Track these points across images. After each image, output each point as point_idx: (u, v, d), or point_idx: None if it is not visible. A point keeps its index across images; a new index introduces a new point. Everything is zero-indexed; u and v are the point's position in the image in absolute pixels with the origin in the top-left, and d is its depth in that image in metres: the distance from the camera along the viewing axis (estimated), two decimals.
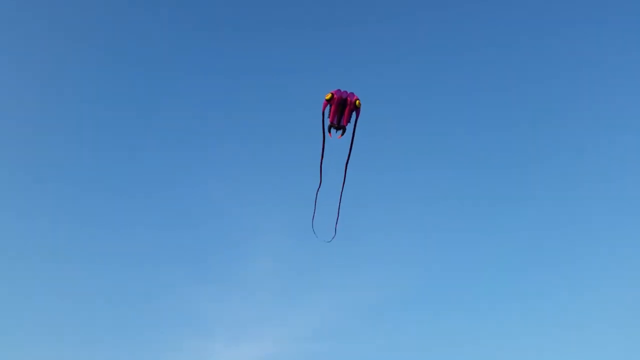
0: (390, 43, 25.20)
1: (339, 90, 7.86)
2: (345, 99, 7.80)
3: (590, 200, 21.88)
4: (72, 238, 21.26)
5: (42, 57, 22.99)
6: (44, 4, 23.30)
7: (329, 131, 7.93)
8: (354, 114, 7.91)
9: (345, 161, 8.13)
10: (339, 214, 8.52)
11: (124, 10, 24.22)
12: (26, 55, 22.74)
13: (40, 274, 20.13)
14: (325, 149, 8.10)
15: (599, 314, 18.70)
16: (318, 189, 8.37)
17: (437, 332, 18.94)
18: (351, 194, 8.59)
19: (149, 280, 20.40)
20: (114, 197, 22.45)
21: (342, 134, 7.96)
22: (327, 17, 25.34)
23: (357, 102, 7.80)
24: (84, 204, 22.13)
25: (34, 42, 23.00)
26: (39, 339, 18.28)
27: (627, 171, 21.85)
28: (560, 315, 18.94)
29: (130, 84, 24.31)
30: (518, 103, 24.32)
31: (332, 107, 7.83)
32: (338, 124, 7.87)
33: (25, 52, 22.62)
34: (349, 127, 7.99)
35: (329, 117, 7.90)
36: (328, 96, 7.79)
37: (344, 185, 8.23)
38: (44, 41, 23.28)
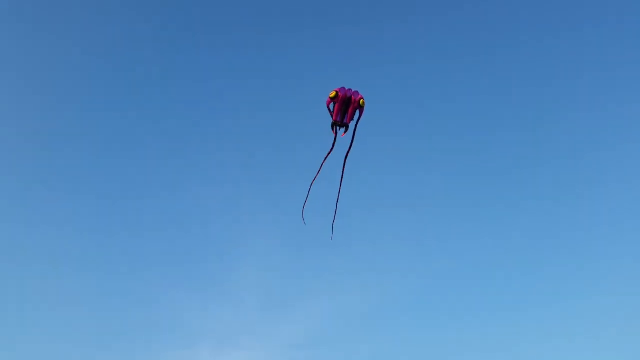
0: (388, 44, 25.38)
1: (343, 88, 7.83)
2: (350, 98, 7.78)
3: (588, 206, 22.04)
4: (52, 243, 20.92)
5: (37, 59, 22.91)
6: (42, 3, 23.22)
7: (332, 128, 7.90)
8: (357, 112, 7.85)
9: (344, 158, 8.06)
10: (336, 211, 8.39)
11: (117, 11, 24.20)
12: (23, 57, 22.63)
13: (20, 279, 19.74)
14: (326, 146, 8.04)
15: (591, 323, 18.82)
16: (314, 179, 8.24)
17: (430, 340, 18.87)
18: (342, 199, 8.56)
19: (131, 287, 20.05)
20: (97, 201, 22.19)
21: (345, 132, 7.90)
22: (324, 18, 25.48)
23: (362, 101, 7.77)
24: (65, 208, 21.84)
25: (28, 42, 22.88)
26: (12, 344, 17.82)
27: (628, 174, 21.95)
28: (556, 322, 19.01)
29: (119, 86, 24.21)
30: (518, 105, 24.51)
31: (336, 105, 7.80)
32: (341, 122, 7.83)
33: (21, 54, 22.52)
34: (352, 125, 7.91)
35: (332, 114, 7.85)
36: (332, 94, 7.78)
37: (342, 182, 8.21)
38: (38, 41, 23.17)
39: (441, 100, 24.80)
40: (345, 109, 7.88)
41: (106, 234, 21.41)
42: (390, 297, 19.95)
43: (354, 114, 7.89)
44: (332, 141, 7.90)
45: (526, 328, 18.87)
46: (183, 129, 24.38)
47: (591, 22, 24.47)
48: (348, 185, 8.46)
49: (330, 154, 7.89)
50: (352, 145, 7.96)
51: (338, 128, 7.90)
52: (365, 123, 8.19)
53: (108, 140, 23.71)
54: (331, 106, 7.89)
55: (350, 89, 7.88)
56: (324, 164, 7.95)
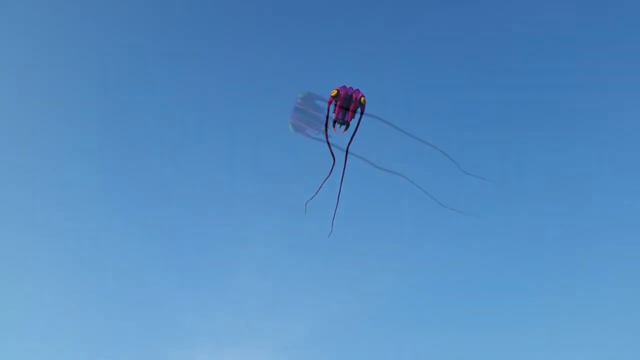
0: (388, 44, 25.35)
1: (344, 86, 7.87)
2: (351, 96, 7.80)
3: (596, 211, 21.88)
4: (53, 243, 20.86)
5: (37, 58, 22.87)
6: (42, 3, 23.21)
7: (333, 126, 7.98)
8: (358, 110, 7.84)
9: (345, 153, 8.08)
10: (337, 206, 8.42)
11: (118, 11, 24.20)
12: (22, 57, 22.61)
13: (22, 280, 19.71)
14: (325, 144, 8.05)
15: (591, 324, 18.73)
16: (330, 171, 8.24)
17: (430, 341, 18.90)
18: (343, 200, 8.53)
19: (133, 289, 20.19)
20: (97, 201, 22.14)
21: (346, 129, 7.97)
22: (324, 18, 25.46)
23: (363, 99, 7.78)
24: (66, 208, 21.81)
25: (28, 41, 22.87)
26: (12, 345, 17.79)
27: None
28: (555, 321, 18.93)
29: (118, 86, 24.18)
30: (519, 106, 24.48)
31: (337, 103, 7.86)
32: (342, 120, 7.91)
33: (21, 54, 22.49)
34: (352, 123, 7.95)
35: (333, 112, 7.93)
36: (334, 93, 7.84)
37: (343, 179, 8.20)
38: (35, 41, 23.17)
39: (441, 100, 24.84)
40: (347, 106, 7.91)
41: (106, 234, 21.44)
42: (390, 298, 20.03)
43: (355, 112, 7.91)
44: (327, 140, 7.91)
45: (526, 329, 18.89)
46: (183, 128, 24.41)
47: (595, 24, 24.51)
48: (348, 187, 8.46)
49: (330, 164, 7.96)
50: (353, 139, 8.00)
51: (339, 125, 7.96)
52: (366, 123, 8.22)
53: (108, 140, 23.74)
54: (332, 106, 7.92)
55: (351, 87, 7.89)
56: (324, 182, 8.03)
